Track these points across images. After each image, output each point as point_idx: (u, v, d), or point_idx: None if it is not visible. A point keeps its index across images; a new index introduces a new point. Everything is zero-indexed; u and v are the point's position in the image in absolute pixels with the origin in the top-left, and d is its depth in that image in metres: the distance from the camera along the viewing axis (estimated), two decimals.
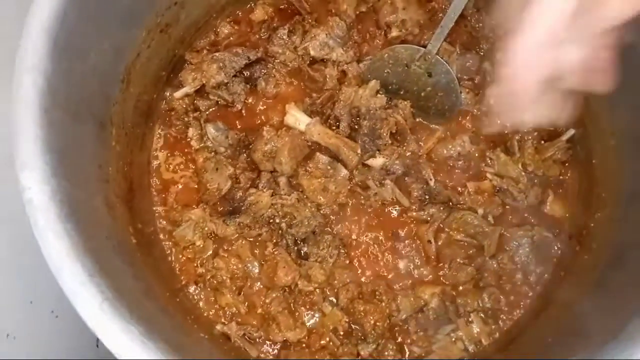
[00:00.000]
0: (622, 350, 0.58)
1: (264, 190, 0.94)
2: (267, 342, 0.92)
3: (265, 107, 1.02)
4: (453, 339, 0.92)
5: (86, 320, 0.58)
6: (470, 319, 0.92)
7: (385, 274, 0.95)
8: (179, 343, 0.68)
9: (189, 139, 0.99)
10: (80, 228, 0.63)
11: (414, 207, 0.96)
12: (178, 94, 0.99)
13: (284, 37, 1.02)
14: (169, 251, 0.95)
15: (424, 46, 0.96)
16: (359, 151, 0.95)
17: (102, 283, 0.60)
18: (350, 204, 0.97)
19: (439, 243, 0.96)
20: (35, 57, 0.64)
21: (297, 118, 0.97)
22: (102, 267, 0.62)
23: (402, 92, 1.00)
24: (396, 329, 0.93)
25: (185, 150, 1.00)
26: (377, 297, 0.93)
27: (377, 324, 0.91)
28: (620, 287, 0.72)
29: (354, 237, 0.96)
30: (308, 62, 1.02)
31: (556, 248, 0.95)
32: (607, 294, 0.75)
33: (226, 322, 0.92)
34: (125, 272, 0.72)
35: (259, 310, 0.93)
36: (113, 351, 0.57)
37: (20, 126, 0.62)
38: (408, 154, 0.98)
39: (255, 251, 0.94)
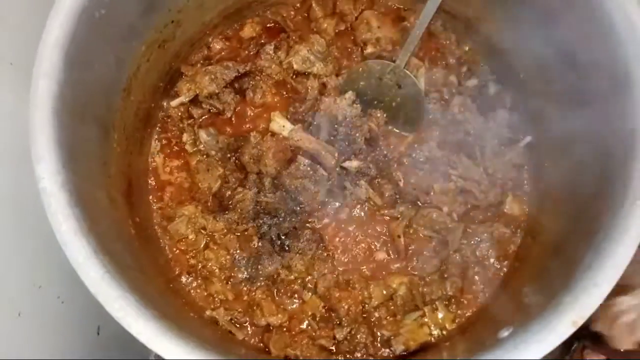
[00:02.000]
0: (547, 318, 0.68)
1: (251, 189, 1.03)
2: (252, 326, 1.00)
3: (252, 115, 1.11)
4: (420, 324, 1.00)
5: (89, 288, 0.67)
6: (435, 306, 1.00)
7: (359, 265, 1.03)
8: (171, 315, 0.76)
9: (183, 143, 1.09)
10: (86, 214, 0.72)
11: (385, 205, 1.05)
12: (174, 102, 1.09)
13: (271, 52, 1.11)
14: (164, 244, 1.03)
15: (395, 61, 1.06)
16: (336, 155, 1.03)
17: (104, 259, 0.69)
18: (328, 202, 1.05)
19: (408, 238, 1.04)
20: (49, 66, 0.75)
21: (281, 125, 1.06)
22: (104, 247, 0.71)
23: (375, 102, 1.09)
24: (368, 315, 1.01)
25: (180, 153, 1.09)
26: (352, 285, 1.01)
27: (351, 309, 0.99)
28: (556, 270, 0.81)
29: (331, 232, 1.04)
30: (292, 75, 1.11)
31: (514, 242, 1.04)
32: (547, 277, 0.84)
33: (215, 308, 1.00)
34: (125, 256, 0.81)
35: (245, 298, 1.01)
36: (113, 314, 0.66)
37: (36, 125, 0.72)
38: (380, 157, 1.07)
39: (242, 244, 1.02)
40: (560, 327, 0.65)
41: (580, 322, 0.65)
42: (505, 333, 0.70)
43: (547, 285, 0.80)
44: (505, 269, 1.02)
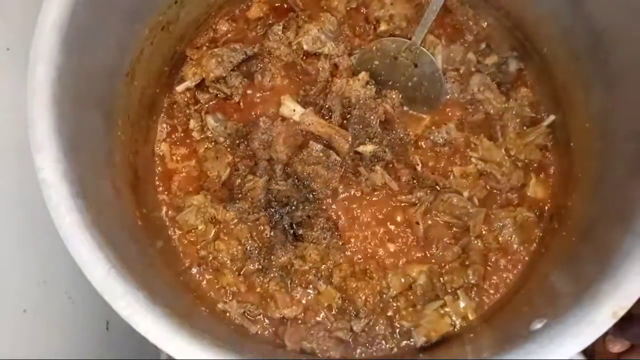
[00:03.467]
0: (582, 310, 0.63)
1: (261, 177, 0.99)
2: (266, 319, 0.97)
3: (261, 99, 1.06)
4: (441, 314, 0.96)
5: (94, 285, 0.63)
6: (456, 295, 0.96)
7: (376, 254, 0.99)
8: (184, 313, 0.73)
9: (190, 130, 1.04)
10: (90, 205, 0.68)
11: (402, 191, 1.01)
12: (180, 87, 1.05)
13: (279, 33, 1.07)
14: (172, 235, 1.00)
15: (410, 39, 1.01)
16: (350, 139, 1.00)
17: (110, 254, 0.66)
18: (342, 189, 1.01)
19: (427, 224, 1.00)
20: (47, 50, 0.70)
21: (292, 109, 1.02)
22: (110, 240, 0.68)
23: (390, 83, 1.04)
24: (387, 305, 0.97)
25: (187, 140, 1.05)
26: (369, 275, 0.97)
27: (369, 300, 0.96)
28: (587, 256, 0.77)
29: (346, 220, 1.00)
30: (302, 56, 1.06)
31: (537, 227, 0.99)
32: (576, 263, 0.79)
33: (227, 301, 0.96)
34: (131, 249, 0.78)
35: (258, 289, 0.97)
36: (119, 312, 0.63)
37: (34, 112, 0.68)
38: (397, 141, 1.02)
39: (254, 234, 0.99)
40: (599, 318, 0.61)
41: (622, 313, 0.60)
42: (538, 325, 0.65)
43: (579, 272, 0.76)
44: (530, 255, 0.98)
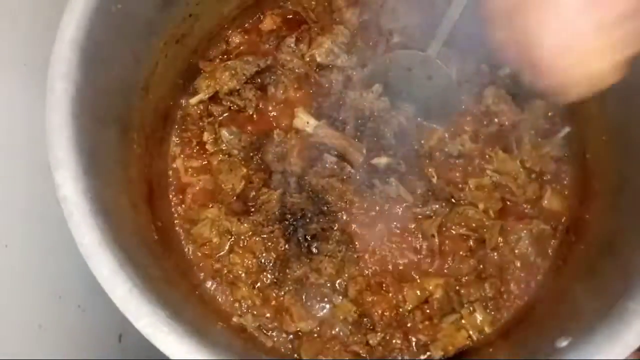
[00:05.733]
0: (609, 329, 0.63)
1: (276, 189, 0.99)
2: (281, 333, 0.96)
3: (275, 111, 1.06)
4: (457, 328, 0.95)
5: (117, 304, 0.62)
6: (473, 309, 0.96)
7: (392, 267, 0.98)
8: (202, 328, 0.72)
9: (204, 143, 1.04)
10: (110, 222, 0.68)
11: (417, 203, 1.00)
12: (193, 100, 1.04)
13: (292, 45, 1.07)
14: (187, 248, 0.99)
15: (424, 51, 1.01)
16: (364, 151, 1.00)
17: (131, 271, 0.65)
18: (357, 202, 1.00)
19: (442, 237, 0.99)
20: (65, 66, 0.70)
21: (306, 121, 1.02)
22: (130, 257, 0.67)
23: (404, 95, 1.04)
24: (403, 319, 0.96)
25: (201, 153, 1.04)
26: (384, 288, 0.97)
27: (385, 314, 0.95)
28: (609, 271, 0.76)
29: (361, 233, 1.00)
30: (315, 68, 1.07)
31: (554, 240, 0.99)
32: (598, 278, 0.79)
33: (242, 315, 0.96)
34: (150, 265, 0.77)
35: (273, 303, 0.97)
36: (143, 332, 0.62)
37: (53, 129, 0.68)
38: (411, 153, 1.02)
39: (269, 247, 0.98)
40: (628, 338, 0.60)
41: None
42: (564, 343, 0.65)
43: (602, 288, 0.75)
44: (547, 268, 0.97)
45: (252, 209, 1.00)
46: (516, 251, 0.98)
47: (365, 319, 0.96)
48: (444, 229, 1.00)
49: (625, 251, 0.75)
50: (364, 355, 0.94)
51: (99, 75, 0.76)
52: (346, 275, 0.97)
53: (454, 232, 1.00)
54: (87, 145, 0.70)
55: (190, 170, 1.04)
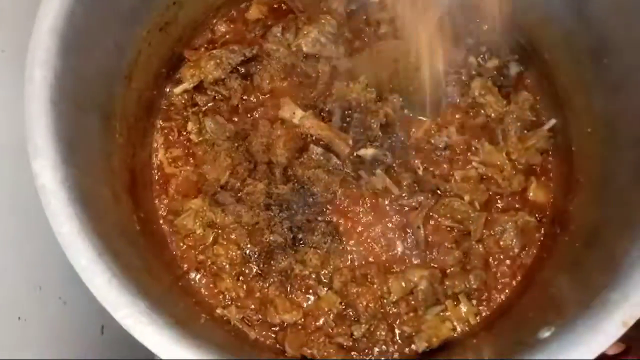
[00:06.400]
0: (591, 319, 0.63)
1: (261, 180, 0.98)
2: (265, 325, 0.95)
3: (260, 101, 1.05)
4: (442, 319, 0.95)
5: (95, 295, 0.62)
6: (458, 300, 0.95)
7: (377, 258, 0.98)
8: (184, 320, 0.71)
9: (188, 133, 1.03)
10: (89, 212, 0.67)
11: (403, 195, 1.00)
12: (177, 89, 1.03)
13: (278, 34, 1.06)
14: (170, 239, 0.98)
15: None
16: (350, 142, 0.99)
17: (110, 261, 0.64)
18: (342, 193, 1.00)
19: (428, 229, 0.99)
20: (44, 53, 0.69)
21: (292, 111, 1.01)
22: (110, 247, 0.66)
23: (391, 86, 1.03)
24: (387, 310, 0.96)
25: (185, 143, 1.03)
26: (369, 280, 0.96)
27: (369, 305, 0.95)
28: (593, 263, 0.77)
29: (346, 224, 0.99)
30: (301, 58, 1.05)
31: (538, 232, 0.99)
32: (582, 270, 0.79)
33: (226, 306, 0.95)
34: (131, 255, 0.76)
35: (257, 294, 0.96)
36: (122, 323, 0.61)
37: (32, 117, 0.67)
38: (397, 144, 1.01)
39: (253, 238, 0.97)
40: (610, 328, 0.60)
41: (632, 322, 0.60)
42: (546, 333, 0.65)
43: (585, 279, 0.75)
44: (531, 260, 0.97)
45: (237, 200, 0.99)
46: (501, 243, 0.98)
47: (350, 311, 0.96)
48: (429, 220, 1.00)
49: (609, 243, 0.75)
50: (349, 346, 0.94)
51: (80, 63, 0.75)
52: (331, 266, 0.97)
53: (439, 223, 1.00)
54: (66, 134, 0.69)
55: (173, 160, 1.03)
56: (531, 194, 1.01)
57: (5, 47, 0.84)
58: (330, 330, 0.95)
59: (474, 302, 0.96)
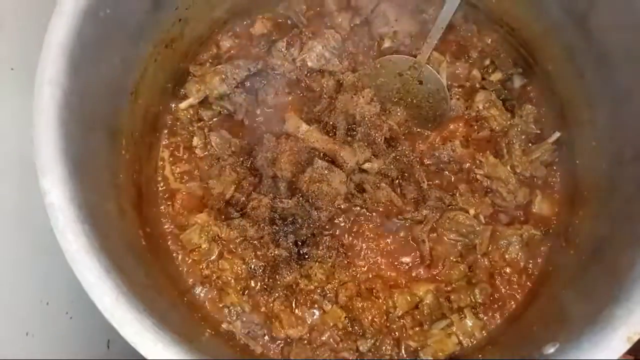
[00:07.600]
0: (596, 334, 0.63)
1: (266, 195, 0.98)
2: (271, 339, 0.95)
3: (265, 116, 1.06)
4: (448, 334, 0.94)
5: (103, 311, 0.62)
6: (463, 314, 0.95)
7: (382, 272, 0.98)
8: (190, 336, 0.71)
9: (193, 148, 1.04)
10: (96, 229, 0.67)
11: (408, 208, 1.00)
12: (183, 105, 1.04)
13: (283, 49, 1.06)
14: (176, 254, 0.98)
15: (415, 56, 1.01)
16: (355, 156, 0.99)
17: (118, 278, 0.65)
18: (347, 207, 1.00)
19: (433, 242, 0.99)
20: (53, 71, 0.69)
21: (296, 126, 1.01)
22: (117, 264, 0.67)
23: (395, 100, 1.04)
24: (393, 325, 0.95)
25: (191, 158, 1.04)
26: (375, 294, 0.96)
27: (375, 320, 0.95)
28: (598, 277, 0.76)
29: (351, 238, 0.99)
30: (306, 72, 1.06)
31: (544, 245, 0.98)
32: (587, 284, 0.79)
33: (231, 321, 0.95)
34: (138, 271, 0.77)
35: (263, 309, 0.96)
36: (128, 339, 0.61)
37: (40, 135, 0.67)
38: (402, 158, 1.01)
39: (258, 252, 0.98)
40: (614, 344, 0.60)
41: (636, 338, 0.60)
42: (551, 349, 0.65)
43: (590, 293, 0.75)
44: (537, 273, 0.97)
45: (242, 215, 0.99)
46: (506, 256, 0.98)
47: (355, 325, 0.95)
48: (434, 234, 0.99)
49: (614, 257, 0.75)
50: None
51: (87, 80, 0.75)
52: (336, 281, 0.97)
53: (444, 237, 1.00)
54: (74, 151, 0.69)
55: (179, 175, 1.03)
56: (536, 207, 1.01)
57: (15, 64, 0.85)
58: (335, 345, 0.94)
59: (480, 316, 0.95)
